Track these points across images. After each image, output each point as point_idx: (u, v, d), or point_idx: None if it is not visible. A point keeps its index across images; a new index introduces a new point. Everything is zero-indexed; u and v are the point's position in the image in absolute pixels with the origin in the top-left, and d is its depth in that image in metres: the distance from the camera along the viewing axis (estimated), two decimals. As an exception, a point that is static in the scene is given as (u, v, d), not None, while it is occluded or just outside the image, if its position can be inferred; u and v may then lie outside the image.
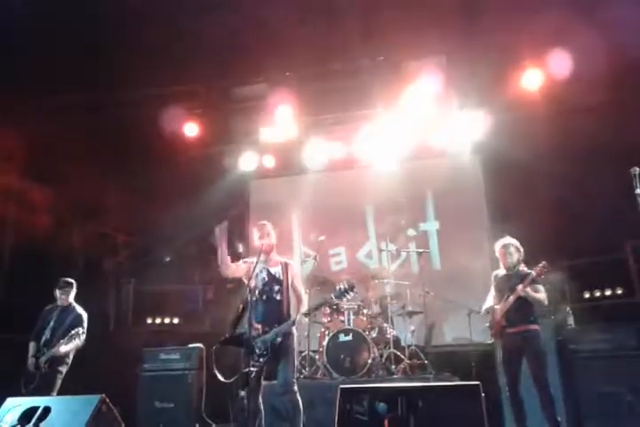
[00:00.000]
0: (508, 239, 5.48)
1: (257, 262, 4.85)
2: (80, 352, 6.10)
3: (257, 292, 4.83)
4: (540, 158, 7.38)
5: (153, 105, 8.07)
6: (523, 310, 5.16)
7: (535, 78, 7.42)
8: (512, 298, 5.15)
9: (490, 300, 5.50)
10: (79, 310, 6.22)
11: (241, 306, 4.74)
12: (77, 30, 6.68)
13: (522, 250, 5.42)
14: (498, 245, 5.49)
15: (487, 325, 5.45)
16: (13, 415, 3.77)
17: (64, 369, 5.91)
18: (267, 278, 4.93)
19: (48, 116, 7.62)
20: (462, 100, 8.00)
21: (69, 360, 5.98)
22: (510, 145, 7.69)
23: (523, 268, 5.39)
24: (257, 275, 4.89)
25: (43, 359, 5.74)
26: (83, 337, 5.98)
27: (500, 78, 7.55)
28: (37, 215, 7.63)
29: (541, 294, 5.21)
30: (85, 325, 6.10)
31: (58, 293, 6.20)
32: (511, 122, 7.87)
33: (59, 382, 5.75)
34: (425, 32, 6.69)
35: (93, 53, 6.95)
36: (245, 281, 4.84)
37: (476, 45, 7.25)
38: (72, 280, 6.32)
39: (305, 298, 5.03)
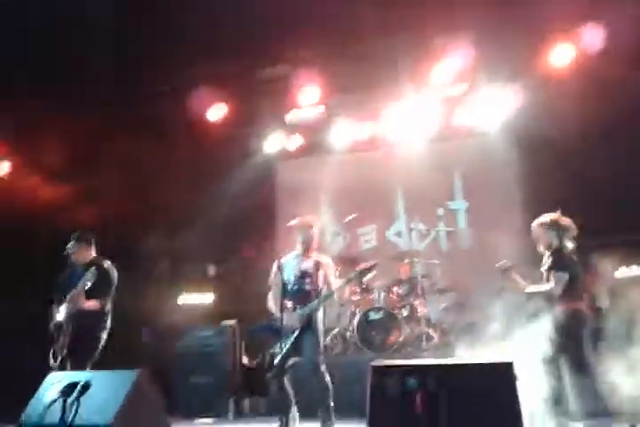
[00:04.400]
0: (542, 217, 5.07)
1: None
2: (117, 329, 6.07)
3: (289, 286, 4.98)
4: (572, 136, 7.25)
5: (179, 88, 8.13)
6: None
7: (566, 53, 7.25)
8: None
9: None
10: (104, 264, 5.39)
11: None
12: (103, 15, 6.74)
13: (563, 227, 4.93)
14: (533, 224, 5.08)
15: None
16: (55, 389, 3.91)
17: (102, 334, 5.28)
18: (298, 274, 5.05)
19: (72, 103, 7.72)
20: (492, 76, 7.85)
21: (106, 324, 5.34)
22: (541, 122, 7.56)
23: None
24: (289, 273, 5.04)
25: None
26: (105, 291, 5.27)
27: (530, 54, 7.39)
28: (68, 199, 7.83)
29: (546, 285, 4.82)
30: (108, 280, 5.32)
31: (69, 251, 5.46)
32: (542, 99, 7.70)
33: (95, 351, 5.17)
34: (453, 7, 6.56)
35: (121, 37, 7.00)
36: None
37: (505, 20, 7.06)
38: (81, 233, 5.54)
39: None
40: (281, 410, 4.56)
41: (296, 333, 4.77)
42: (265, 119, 9.09)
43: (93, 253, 5.51)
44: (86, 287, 4.99)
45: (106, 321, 5.36)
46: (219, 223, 8.93)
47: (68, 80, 7.46)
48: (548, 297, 4.88)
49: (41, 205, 8.15)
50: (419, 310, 7.05)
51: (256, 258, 8.99)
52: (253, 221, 9.34)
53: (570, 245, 4.96)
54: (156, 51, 7.35)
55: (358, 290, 7.33)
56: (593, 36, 6.78)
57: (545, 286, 4.87)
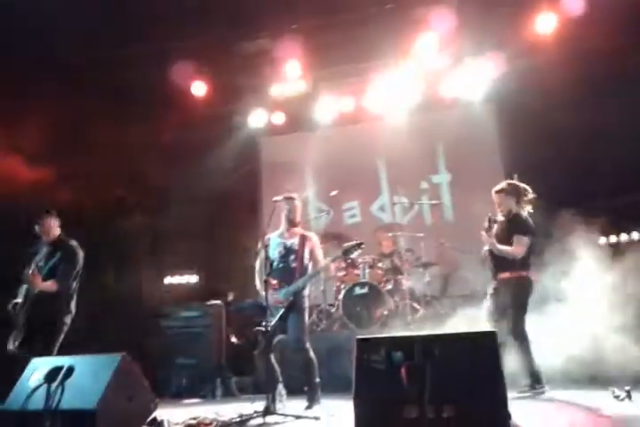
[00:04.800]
0: (502, 184, 5.22)
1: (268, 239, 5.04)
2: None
3: (274, 263, 4.97)
4: (555, 105, 7.21)
5: (159, 63, 7.93)
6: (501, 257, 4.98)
7: (549, 22, 7.17)
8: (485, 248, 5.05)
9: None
10: (71, 243, 5.22)
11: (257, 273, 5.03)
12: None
13: (521, 193, 5.10)
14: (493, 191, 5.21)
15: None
16: (39, 375, 3.87)
17: (65, 318, 5.07)
18: (283, 251, 5.04)
19: (50, 76, 7.51)
20: (474, 46, 7.77)
21: (69, 308, 5.14)
22: (524, 92, 7.52)
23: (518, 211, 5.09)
24: (273, 250, 5.03)
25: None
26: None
27: (512, 23, 7.30)
28: (47, 179, 7.66)
29: (510, 247, 4.92)
30: (74, 261, 5.13)
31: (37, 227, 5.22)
32: (525, 68, 7.64)
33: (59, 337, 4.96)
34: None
35: (100, 10, 6.78)
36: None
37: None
38: (49, 209, 5.36)
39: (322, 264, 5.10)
40: (267, 388, 4.56)
41: (281, 311, 4.77)
42: (247, 95, 8.96)
43: (59, 231, 5.30)
44: (47, 267, 4.89)
45: (69, 304, 5.14)
46: (203, 200, 8.85)
47: (39, 54, 7.23)
48: (500, 262, 4.96)
49: (20, 187, 7.99)
50: (403, 284, 7.07)
51: (241, 235, 8.94)
52: (238, 197, 9.27)
53: (527, 210, 5.11)
54: (134, 24, 7.13)
55: (343, 265, 7.33)
56: (575, 4, 6.69)
57: (508, 248, 4.93)
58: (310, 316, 6.14)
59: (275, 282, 4.89)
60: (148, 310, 7.52)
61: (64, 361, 3.92)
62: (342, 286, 7.11)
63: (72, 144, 7.85)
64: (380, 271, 7.26)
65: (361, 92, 8.66)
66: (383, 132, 8.79)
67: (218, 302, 7.14)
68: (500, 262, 5.03)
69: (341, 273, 7.32)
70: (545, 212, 5.40)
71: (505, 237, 5.00)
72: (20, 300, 4.92)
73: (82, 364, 3.87)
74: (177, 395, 6.49)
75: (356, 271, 7.24)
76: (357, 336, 3.63)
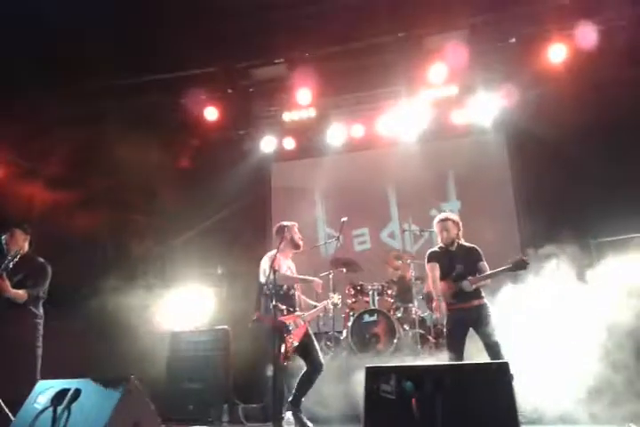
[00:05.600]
0: (445, 214, 5.46)
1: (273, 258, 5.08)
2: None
3: (282, 290, 5.15)
4: (566, 135, 7.23)
5: (173, 90, 8.06)
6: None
7: (561, 53, 7.23)
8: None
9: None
10: (40, 259, 5.16)
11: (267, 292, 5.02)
12: (102, 16, 6.67)
13: (460, 224, 5.38)
14: (435, 221, 5.43)
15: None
16: (45, 397, 3.84)
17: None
18: (289, 272, 5.34)
19: (68, 102, 7.65)
20: (486, 76, 7.85)
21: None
22: (535, 122, 7.54)
23: (462, 242, 5.33)
24: (286, 271, 5.28)
25: None
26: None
27: (524, 53, 7.38)
28: (65, 202, 7.73)
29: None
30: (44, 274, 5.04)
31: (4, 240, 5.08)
32: (536, 98, 7.72)
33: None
34: (447, 6, 6.53)
35: (116, 39, 6.93)
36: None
37: (499, 19, 7.05)
38: (19, 223, 5.27)
39: None
40: (276, 414, 4.52)
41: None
42: (259, 121, 9.06)
43: (27, 246, 5.18)
44: (13, 281, 4.72)
45: (40, 324, 5.04)
46: (213, 224, 8.87)
47: (59, 82, 7.38)
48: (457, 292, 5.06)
49: (32, 210, 8.07)
50: (413, 312, 7.00)
51: (249, 260, 8.92)
52: (248, 222, 9.29)
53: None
54: (149, 52, 7.28)
55: (352, 292, 7.28)
56: (587, 35, 6.76)
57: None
58: (319, 343, 6.09)
59: (283, 307, 4.98)
60: (156, 334, 7.47)
61: (71, 384, 3.89)
62: (351, 313, 7.05)
63: (89, 168, 7.95)
64: (389, 299, 7.21)
65: (372, 119, 8.72)
66: (394, 159, 8.84)
67: (225, 326, 7.09)
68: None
69: (350, 300, 7.27)
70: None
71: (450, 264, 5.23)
72: None
73: (89, 387, 3.83)
74: (183, 420, 6.40)
75: (366, 298, 7.19)
76: (366, 365, 3.59)
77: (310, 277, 5.38)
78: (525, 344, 5.16)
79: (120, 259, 8.17)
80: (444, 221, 5.34)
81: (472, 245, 5.30)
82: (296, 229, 5.53)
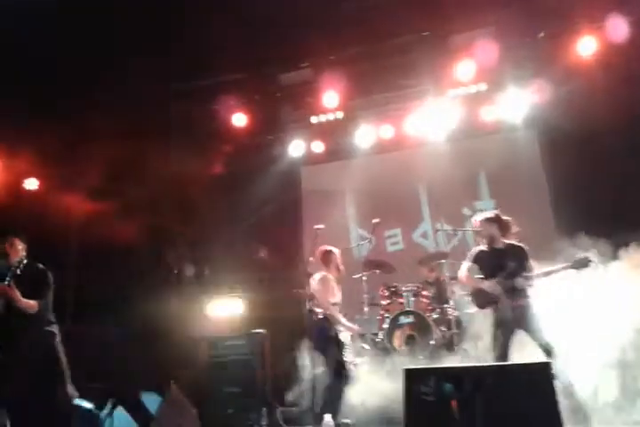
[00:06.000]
0: (486, 213, 5.38)
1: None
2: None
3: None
4: (600, 130, 7.09)
5: (203, 98, 8.17)
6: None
7: (591, 46, 7.10)
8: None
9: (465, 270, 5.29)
10: (39, 265, 5.11)
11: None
12: (134, 27, 6.80)
13: (504, 222, 5.28)
14: (476, 219, 5.36)
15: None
16: (89, 403, 3.93)
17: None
18: (339, 296, 5.68)
19: (94, 112, 7.81)
20: (515, 72, 7.74)
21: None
22: (567, 117, 7.41)
23: (509, 241, 5.22)
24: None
25: None
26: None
27: (553, 48, 7.26)
28: (102, 211, 7.89)
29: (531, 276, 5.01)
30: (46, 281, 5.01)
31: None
32: (567, 93, 7.57)
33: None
34: (472, 2, 6.47)
35: (147, 49, 7.06)
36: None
37: (526, 13, 6.95)
38: (17, 230, 5.26)
39: None
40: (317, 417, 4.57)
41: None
42: (287, 125, 9.10)
43: (24, 254, 5.13)
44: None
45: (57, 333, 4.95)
46: (245, 229, 8.95)
47: (93, 95, 7.55)
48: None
49: (72, 219, 8.26)
50: (449, 313, 6.94)
51: (282, 263, 8.98)
52: (279, 226, 9.34)
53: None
54: (178, 61, 7.40)
55: (387, 294, 7.25)
56: (617, 27, 6.63)
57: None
58: (354, 345, 6.11)
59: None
60: (194, 339, 7.55)
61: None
62: (387, 315, 7.02)
63: (125, 178, 8.09)
64: (425, 300, 7.15)
65: (400, 120, 8.68)
66: (424, 159, 8.79)
67: (262, 330, 7.13)
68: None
69: (385, 302, 7.24)
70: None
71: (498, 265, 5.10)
72: None
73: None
74: (223, 424, 6.44)
75: (401, 300, 7.14)
76: (404, 367, 3.58)
77: (353, 326, 5.68)
78: (565, 338, 5.06)
79: (157, 266, 8.29)
80: (484, 219, 5.28)
81: (519, 244, 5.21)
82: (339, 255, 5.84)
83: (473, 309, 7.11)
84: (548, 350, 4.75)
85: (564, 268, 4.93)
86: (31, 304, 4.75)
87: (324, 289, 5.48)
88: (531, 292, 5.05)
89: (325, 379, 5.33)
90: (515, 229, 5.39)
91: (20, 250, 5.08)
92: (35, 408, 4.35)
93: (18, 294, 4.67)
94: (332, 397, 5.12)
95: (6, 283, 4.63)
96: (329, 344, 5.35)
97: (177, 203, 8.70)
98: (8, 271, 4.77)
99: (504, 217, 5.33)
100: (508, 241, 5.24)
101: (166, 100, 8.06)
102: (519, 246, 5.18)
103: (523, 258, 5.07)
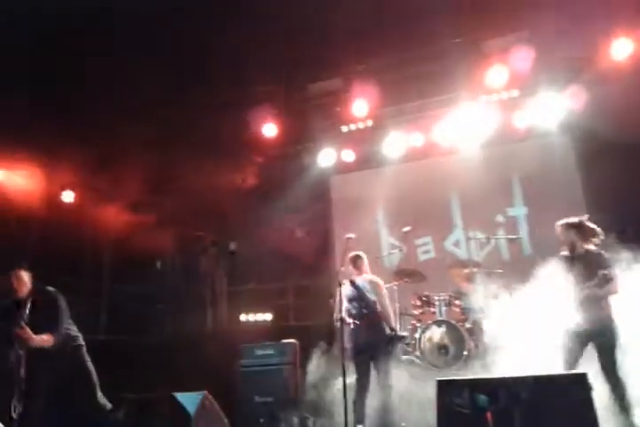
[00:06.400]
0: (565, 220, 5.16)
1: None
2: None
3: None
4: (638, 135, 6.92)
5: (235, 109, 8.26)
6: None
7: (627, 49, 6.95)
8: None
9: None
10: (49, 289, 4.99)
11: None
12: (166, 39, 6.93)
13: (587, 228, 5.06)
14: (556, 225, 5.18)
15: None
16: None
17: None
18: None
19: (126, 129, 7.97)
20: (548, 76, 7.62)
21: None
22: (602, 121, 7.25)
23: (588, 247, 5.00)
24: None
25: None
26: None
27: (588, 51, 7.12)
28: (136, 219, 8.03)
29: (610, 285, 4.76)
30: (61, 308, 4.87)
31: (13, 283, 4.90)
32: (603, 97, 7.40)
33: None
34: (504, 8, 6.40)
35: (178, 62, 7.19)
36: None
37: (560, 17, 6.83)
38: (20, 263, 5.10)
39: None
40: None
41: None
42: (317, 134, 9.13)
43: (30, 284, 4.98)
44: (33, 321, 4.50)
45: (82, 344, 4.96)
46: (275, 238, 8.98)
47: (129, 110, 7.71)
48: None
49: (107, 231, 8.40)
50: (483, 323, 6.81)
51: (313, 272, 8.98)
52: (310, 235, 9.36)
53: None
54: (213, 73, 7.51)
55: (418, 303, 7.18)
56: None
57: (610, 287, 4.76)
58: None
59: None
60: (225, 349, 7.59)
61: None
62: (418, 325, 6.94)
63: (157, 189, 8.23)
64: (457, 309, 7.04)
65: (430, 127, 8.61)
66: (454, 166, 8.70)
67: (292, 340, 7.13)
68: None
69: (417, 311, 7.16)
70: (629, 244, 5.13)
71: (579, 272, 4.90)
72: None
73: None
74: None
75: (433, 309, 7.05)
76: (437, 378, 3.53)
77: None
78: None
79: (190, 276, 8.38)
80: (562, 225, 5.15)
81: (599, 251, 4.98)
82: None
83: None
84: (612, 376, 4.52)
85: None
86: (46, 340, 4.61)
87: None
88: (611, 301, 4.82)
89: (361, 388, 5.29)
90: (600, 236, 5.08)
91: (27, 282, 4.94)
92: (68, 422, 4.37)
93: (29, 335, 4.51)
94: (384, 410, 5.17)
95: (19, 328, 4.48)
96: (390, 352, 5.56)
97: (210, 213, 8.79)
98: (17, 307, 4.67)
99: (588, 223, 5.12)
100: (588, 247, 5.03)
101: (199, 112, 8.17)
102: (598, 253, 4.95)
103: (601, 265, 4.83)
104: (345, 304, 5.55)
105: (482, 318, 6.85)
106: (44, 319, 4.63)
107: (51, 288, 4.97)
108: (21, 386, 4.31)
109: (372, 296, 5.65)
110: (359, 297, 5.62)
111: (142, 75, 6.98)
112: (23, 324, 4.45)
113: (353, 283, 5.69)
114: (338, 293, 5.44)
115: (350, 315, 5.50)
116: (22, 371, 4.33)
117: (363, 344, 5.48)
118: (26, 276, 4.96)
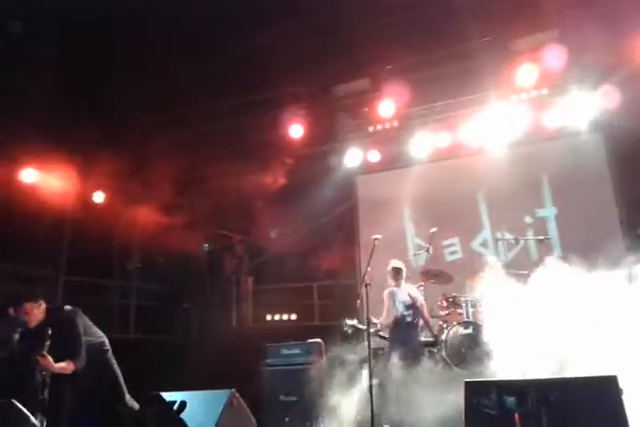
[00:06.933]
0: None
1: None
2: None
3: None
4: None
5: (262, 110, 8.32)
6: None
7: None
8: None
9: None
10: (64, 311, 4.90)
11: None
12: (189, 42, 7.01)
13: None
14: None
15: None
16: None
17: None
18: None
19: (156, 131, 8.08)
20: (578, 74, 7.50)
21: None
22: (636, 120, 7.11)
23: None
24: None
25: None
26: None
27: (620, 49, 6.98)
28: (165, 220, 8.14)
29: None
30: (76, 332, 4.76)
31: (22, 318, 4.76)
32: (635, 95, 7.26)
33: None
34: (534, 6, 6.32)
35: (204, 65, 7.27)
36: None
37: (590, 14, 6.72)
38: (30, 293, 4.98)
39: None
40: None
41: None
42: (343, 135, 9.13)
43: (43, 314, 4.84)
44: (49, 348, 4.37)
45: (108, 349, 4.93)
46: (302, 238, 9.01)
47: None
48: None
49: (135, 231, 8.53)
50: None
51: (339, 273, 8.98)
52: (336, 235, 9.37)
53: None
54: (235, 76, 7.57)
55: (445, 304, 7.13)
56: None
57: None
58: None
59: None
60: (251, 348, 7.63)
61: (177, 396, 4.05)
62: (445, 326, 6.89)
63: (185, 190, 8.32)
64: (484, 310, 6.98)
65: (457, 127, 8.54)
66: (482, 166, 8.62)
67: (317, 340, 7.14)
68: None
69: (444, 312, 7.11)
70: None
71: None
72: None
73: (194, 399, 3.98)
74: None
75: (460, 310, 6.99)
76: (466, 379, 3.50)
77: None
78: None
79: (217, 275, 8.45)
80: None
81: None
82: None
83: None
84: None
85: None
86: (65, 368, 4.52)
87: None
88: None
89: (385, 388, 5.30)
90: None
91: (36, 313, 4.78)
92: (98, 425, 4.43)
93: (51, 363, 4.41)
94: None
95: (39, 355, 4.38)
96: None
97: (236, 214, 8.86)
98: (33, 336, 4.59)
99: None
100: None
101: (226, 114, 8.24)
102: None
103: None
104: (400, 309, 6.47)
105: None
106: (63, 345, 4.55)
107: (67, 308, 4.90)
108: (45, 405, 4.26)
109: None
110: (411, 305, 6.51)
111: (171, 79, 7.08)
112: (44, 352, 4.37)
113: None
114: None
115: (400, 320, 6.32)
116: (46, 392, 4.28)
117: (404, 348, 5.55)
118: (35, 309, 4.79)
